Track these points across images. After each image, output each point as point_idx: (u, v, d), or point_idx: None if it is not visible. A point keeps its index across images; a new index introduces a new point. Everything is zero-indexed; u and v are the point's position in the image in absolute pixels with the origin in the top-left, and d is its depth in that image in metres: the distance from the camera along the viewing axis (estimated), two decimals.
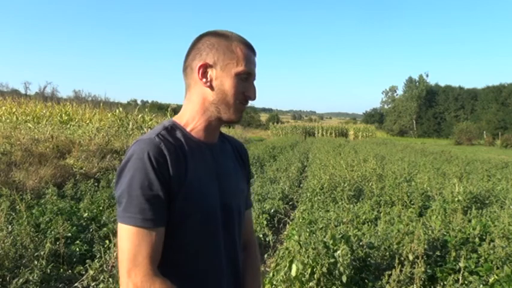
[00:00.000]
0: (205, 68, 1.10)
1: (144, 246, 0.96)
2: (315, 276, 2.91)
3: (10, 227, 3.81)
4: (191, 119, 1.13)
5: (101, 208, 5.50)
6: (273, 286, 3.21)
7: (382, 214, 4.54)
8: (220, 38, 1.11)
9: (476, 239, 3.60)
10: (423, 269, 2.96)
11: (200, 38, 1.14)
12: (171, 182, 1.01)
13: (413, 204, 5.53)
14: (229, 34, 1.12)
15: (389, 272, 2.93)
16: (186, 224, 1.05)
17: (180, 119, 1.15)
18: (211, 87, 1.10)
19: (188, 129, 1.12)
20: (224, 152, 1.22)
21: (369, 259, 3.32)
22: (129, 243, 0.97)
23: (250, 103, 1.16)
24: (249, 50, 1.13)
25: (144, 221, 0.97)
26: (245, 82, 1.11)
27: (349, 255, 2.95)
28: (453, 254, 3.39)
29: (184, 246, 1.06)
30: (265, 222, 5.39)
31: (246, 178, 1.31)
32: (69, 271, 3.77)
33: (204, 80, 1.10)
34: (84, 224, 4.83)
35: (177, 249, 1.05)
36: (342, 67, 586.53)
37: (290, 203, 7.09)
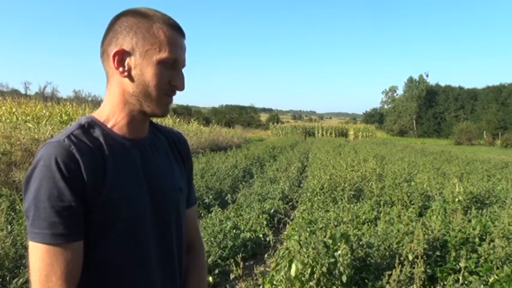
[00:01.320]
0: (121, 55, 0.95)
1: (57, 265, 0.85)
2: (315, 276, 2.91)
3: (10, 227, 3.81)
4: (112, 114, 0.99)
5: None
6: (273, 286, 3.21)
7: (382, 214, 4.54)
8: (140, 19, 0.95)
9: (476, 239, 3.60)
10: (423, 269, 2.96)
11: (118, 18, 0.97)
12: (87, 190, 0.88)
13: (413, 204, 5.53)
14: (151, 13, 0.97)
15: (389, 272, 2.93)
16: (109, 234, 0.92)
17: (100, 114, 1.00)
18: (129, 78, 0.95)
19: (109, 125, 0.98)
20: (156, 148, 1.07)
21: (369, 259, 3.32)
22: (40, 262, 0.85)
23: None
24: (175, 32, 0.97)
25: (55, 236, 0.85)
26: (171, 70, 0.97)
27: (349, 255, 2.95)
28: (453, 254, 3.39)
29: (108, 260, 0.93)
30: (265, 222, 5.40)
31: (187, 174, 1.17)
32: None
33: (121, 69, 0.95)
34: None
35: (100, 263, 0.93)
36: (342, 67, 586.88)
37: (290, 203, 7.09)
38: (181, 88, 1.00)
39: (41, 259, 0.85)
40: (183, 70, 1.01)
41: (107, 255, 0.93)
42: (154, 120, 1.13)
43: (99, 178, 0.90)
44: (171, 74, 0.97)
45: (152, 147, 1.05)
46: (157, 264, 1.01)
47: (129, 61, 0.95)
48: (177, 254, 1.08)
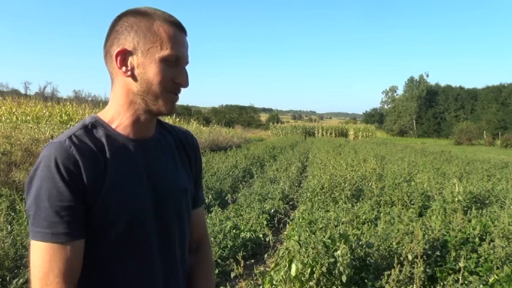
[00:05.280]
0: (123, 54, 0.94)
1: (56, 263, 0.86)
2: (315, 275, 2.92)
3: (10, 227, 3.81)
4: (117, 114, 0.99)
5: None
6: (273, 286, 3.21)
7: (382, 214, 4.54)
8: (141, 18, 0.95)
9: (476, 239, 3.60)
10: (422, 269, 2.96)
11: (119, 18, 0.97)
12: (86, 190, 0.89)
13: (413, 204, 5.53)
14: (151, 12, 0.96)
15: (389, 272, 2.93)
16: (109, 234, 0.93)
17: (105, 114, 1.00)
18: (133, 77, 0.95)
19: (114, 125, 0.99)
20: (162, 148, 1.06)
21: (369, 259, 3.32)
22: (40, 260, 0.86)
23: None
24: (176, 30, 0.96)
25: (55, 235, 0.86)
26: (174, 68, 0.96)
27: (348, 255, 2.96)
28: (453, 254, 3.39)
29: (108, 259, 0.94)
30: (265, 222, 5.41)
31: (194, 174, 1.16)
32: None
33: (124, 68, 0.95)
34: None
35: (99, 263, 0.94)
36: (342, 67, 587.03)
37: (290, 203, 7.09)
38: (186, 85, 0.99)
39: (40, 257, 0.87)
40: (187, 67, 1.01)
41: (107, 254, 0.94)
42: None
43: (98, 178, 0.91)
44: (174, 72, 0.97)
45: (157, 148, 1.05)
46: (159, 264, 1.01)
47: (132, 60, 0.95)
48: (179, 255, 1.07)
